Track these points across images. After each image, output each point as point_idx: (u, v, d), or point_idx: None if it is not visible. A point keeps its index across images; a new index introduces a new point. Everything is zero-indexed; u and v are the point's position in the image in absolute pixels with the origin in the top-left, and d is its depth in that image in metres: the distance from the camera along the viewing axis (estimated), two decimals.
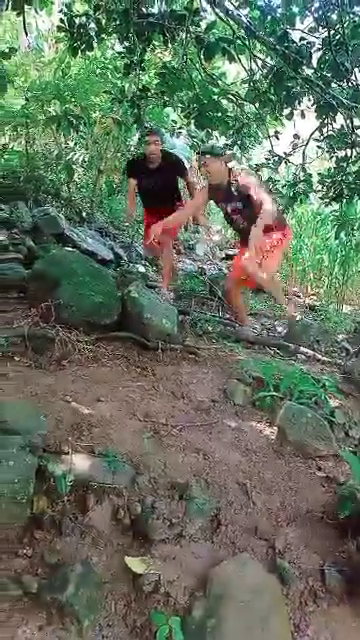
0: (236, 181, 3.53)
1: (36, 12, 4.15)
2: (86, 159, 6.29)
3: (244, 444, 2.14)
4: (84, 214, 5.92)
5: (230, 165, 3.59)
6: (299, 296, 6.20)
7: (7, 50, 3.55)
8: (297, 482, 1.98)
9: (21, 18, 3.77)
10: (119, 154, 6.86)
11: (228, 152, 3.78)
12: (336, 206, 4.94)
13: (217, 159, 3.49)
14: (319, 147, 4.61)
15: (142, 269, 5.13)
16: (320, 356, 3.60)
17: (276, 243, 3.62)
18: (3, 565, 1.35)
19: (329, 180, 4.62)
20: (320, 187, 4.71)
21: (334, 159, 4.56)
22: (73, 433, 1.91)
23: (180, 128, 5.62)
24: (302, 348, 3.66)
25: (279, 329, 4.38)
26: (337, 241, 6.08)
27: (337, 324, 4.84)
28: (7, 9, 3.68)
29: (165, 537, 1.55)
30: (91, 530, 1.53)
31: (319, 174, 4.68)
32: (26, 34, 4.33)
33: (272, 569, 1.54)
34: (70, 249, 3.22)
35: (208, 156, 3.50)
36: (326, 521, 1.77)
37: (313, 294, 6.58)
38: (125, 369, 2.64)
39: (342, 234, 5.07)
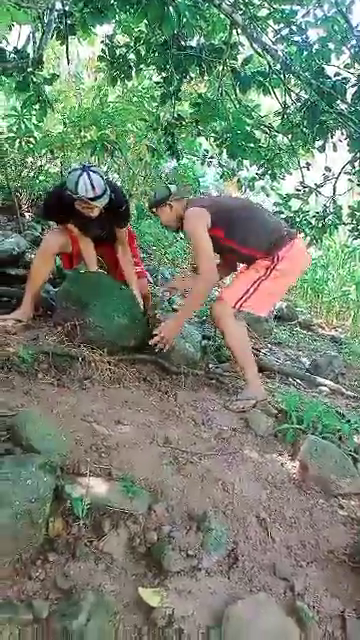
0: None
1: (79, 42, 4.30)
2: (118, 183, 6.42)
3: (264, 477, 2.08)
4: None
5: (179, 202, 2.96)
6: (323, 327, 6.12)
7: (49, 76, 3.67)
8: (318, 520, 1.91)
9: (64, 47, 3.92)
10: (150, 179, 6.99)
11: (174, 191, 2.96)
12: None
13: (164, 206, 2.96)
14: (350, 180, 4.61)
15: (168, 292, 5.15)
16: (344, 390, 3.53)
17: (263, 274, 2.80)
18: (16, 587, 1.32)
19: (359, 213, 4.61)
20: (350, 220, 4.70)
21: None
22: (92, 455, 1.89)
23: (212, 157, 5.70)
24: (326, 381, 3.59)
25: (303, 360, 4.31)
26: None
27: None
28: (52, 38, 3.84)
29: (181, 569, 1.50)
30: (105, 556, 1.49)
31: (349, 207, 4.67)
32: (68, 62, 4.49)
33: (290, 611, 1.47)
34: (99, 271, 3.26)
35: (154, 209, 3.03)
36: (348, 564, 1.70)
37: (339, 326, 6.49)
38: (146, 392, 2.63)
39: None
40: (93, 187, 2.71)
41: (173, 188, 2.98)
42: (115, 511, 1.62)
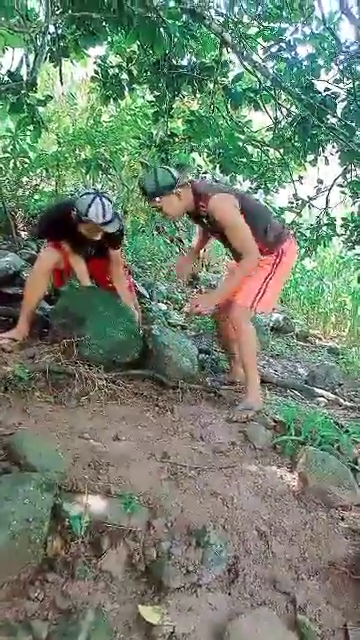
0: (204, 206, 2.74)
1: (72, 63, 4.38)
2: (113, 200, 6.48)
3: (264, 490, 2.07)
4: None
5: (185, 189, 2.76)
6: (320, 338, 6.14)
7: (43, 98, 3.73)
8: (319, 532, 1.90)
9: (58, 68, 3.99)
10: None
11: (178, 176, 2.72)
12: (359, 250, 4.96)
13: (170, 194, 2.72)
14: (342, 192, 4.66)
15: (164, 307, 5.17)
16: (342, 400, 3.53)
17: (270, 271, 2.87)
18: (15, 608, 1.31)
19: (352, 224, 4.66)
20: (343, 231, 4.75)
21: (357, 204, 4.61)
22: (90, 472, 1.88)
23: (205, 172, 5.77)
24: (324, 392, 3.59)
25: (300, 371, 4.32)
26: None
27: None
28: (45, 61, 3.91)
29: (181, 585, 1.49)
30: (105, 575, 1.48)
31: (342, 218, 4.72)
32: (61, 83, 4.56)
33: (292, 625, 1.46)
34: (94, 286, 3.28)
35: (157, 199, 2.73)
36: (350, 576, 1.69)
37: (335, 337, 6.51)
38: (144, 408, 2.63)
39: None
40: (104, 213, 2.81)
41: (175, 173, 2.74)
42: (114, 528, 1.62)
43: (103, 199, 2.84)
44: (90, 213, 2.79)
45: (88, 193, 2.89)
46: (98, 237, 2.96)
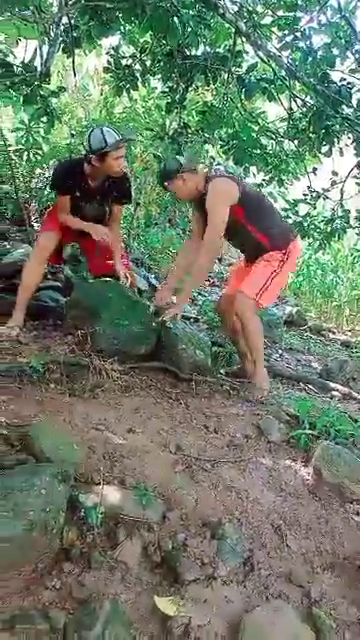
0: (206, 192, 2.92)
1: (85, 54, 4.35)
2: None
3: (278, 484, 2.07)
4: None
5: (198, 174, 3.00)
6: (334, 332, 6.09)
7: (57, 89, 3.71)
8: (334, 526, 1.90)
9: (71, 60, 3.97)
10: (157, 188, 7.03)
11: (185, 163, 2.95)
12: None
13: (176, 179, 2.95)
14: (358, 184, 4.60)
15: (175, 299, 5.16)
16: (356, 394, 3.51)
17: (276, 267, 2.94)
18: (32, 597, 1.33)
19: None
20: (358, 223, 4.69)
21: None
22: (105, 463, 1.89)
23: (218, 164, 5.73)
24: (338, 385, 3.57)
25: (314, 365, 4.29)
26: None
27: None
28: (58, 51, 3.89)
29: (196, 577, 1.49)
30: (120, 565, 1.49)
31: (357, 211, 4.66)
32: (74, 75, 4.54)
33: (307, 619, 1.46)
34: (107, 278, 3.28)
35: (166, 183, 3.04)
36: None
37: (349, 330, 6.46)
38: (158, 400, 2.63)
39: None
40: (117, 133, 2.93)
41: (182, 159, 3.00)
42: (129, 520, 1.63)
43: (108, 126, 2.99)
44: (108, 139, 2.86)
45: (92, 130, 2.97)
46: (123, 164, 3.00)
